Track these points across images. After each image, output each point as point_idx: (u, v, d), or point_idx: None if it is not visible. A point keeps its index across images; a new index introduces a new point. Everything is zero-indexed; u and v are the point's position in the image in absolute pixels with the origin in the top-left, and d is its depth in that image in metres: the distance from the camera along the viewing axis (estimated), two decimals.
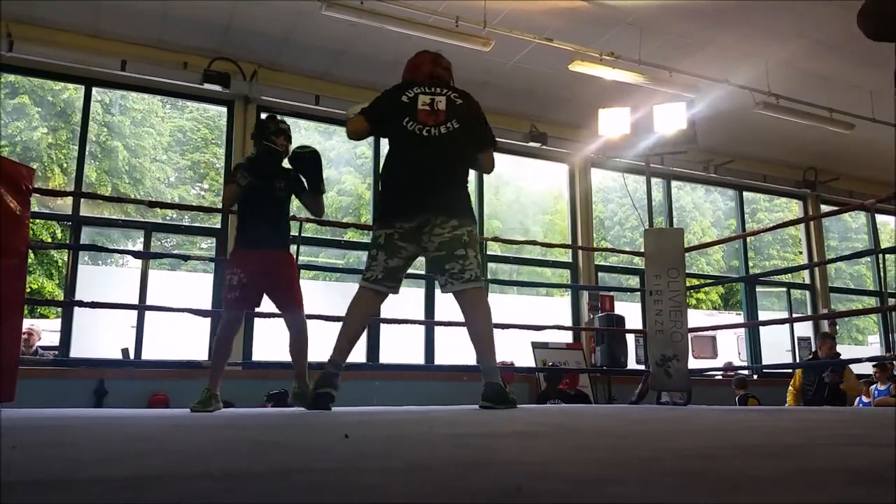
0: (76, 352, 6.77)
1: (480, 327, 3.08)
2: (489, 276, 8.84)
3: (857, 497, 0.68)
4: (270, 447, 1.30)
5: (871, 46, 2.23)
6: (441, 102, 3.16)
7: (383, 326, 7.74)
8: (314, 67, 7.83)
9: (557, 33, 7.02)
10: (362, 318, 3.22)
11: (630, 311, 8.65)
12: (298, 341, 3.70)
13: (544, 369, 7.74)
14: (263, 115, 3.89)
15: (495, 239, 6.74)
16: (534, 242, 7.05)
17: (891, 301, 8.69)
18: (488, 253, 8.83)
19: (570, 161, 9.44)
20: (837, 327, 11.11)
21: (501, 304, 9.30)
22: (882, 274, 5.88)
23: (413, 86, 3.23)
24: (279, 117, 3.91)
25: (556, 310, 9.90)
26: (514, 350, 8.08)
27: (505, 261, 9.58)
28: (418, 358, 7.95)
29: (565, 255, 9.55)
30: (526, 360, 8.08)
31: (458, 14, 6.51)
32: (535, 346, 8.16)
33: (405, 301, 7.64)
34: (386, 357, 7.78)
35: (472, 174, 3.36)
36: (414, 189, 3.07)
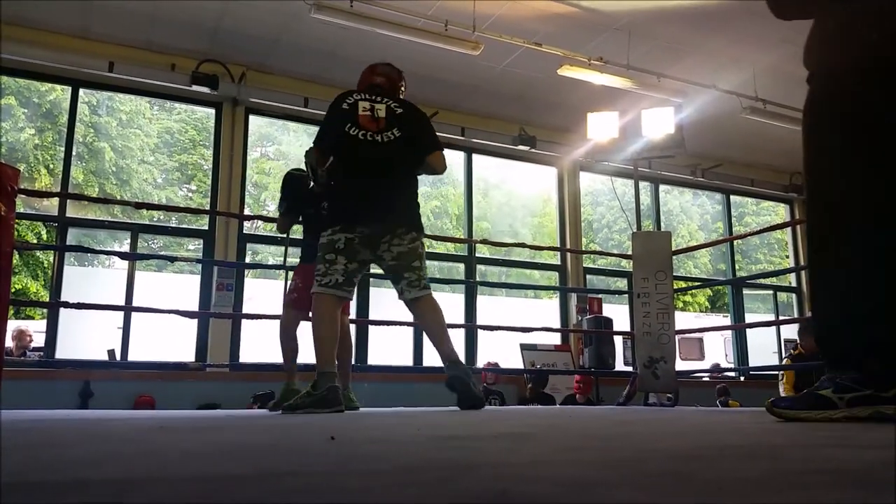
0: (62, 353, 6.73)
1: (437, 328, 3.23)
2: (478, 279, 8.86)
3: (844, 499, 0.69)
4: (257, 449, 1.29)
5: None
6: (381, 110, 3.19)
7: (371, 328, 7.74)
8: (303, 70, 7.82)
9: (546, 38, 7.04)
10: (336, 324, 3.15)
11: (618, 314, 8.68)
12: (344, 343, 3.82)
13: (529, 371, 7.73)
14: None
15: (484, 241, 6.76)
16: (522, 245, 7.06)
17: None
18: (477, 255, 8.85)
19: (558, 164, 9.47)
20: None
21: (490, 307, 9.31)
22: None
23: (351, 94, 3.26)
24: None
25: (544, 312, 9.92)
26: (502, 352, 8.09)
27: (494, 263, 9.59)
28: (406, 359, 7.95)
29: (554, 258, 9.57)
30: (514, 361, 8.09)
31: (447, 18, 6.53)
32: (524, 347, 8.19)
33: (393, 302, 7.63)
34: (374, 358, 7.78)
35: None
36: (374, 196, 3.10)
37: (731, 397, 8.17)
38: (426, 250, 3.33)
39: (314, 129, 9.97)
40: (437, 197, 13.60)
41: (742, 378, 9.98)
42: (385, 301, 7.80)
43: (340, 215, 3.12)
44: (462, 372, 3.09)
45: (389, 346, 8.00)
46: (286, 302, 4.00)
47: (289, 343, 3.95)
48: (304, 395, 3.03)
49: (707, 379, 9.43)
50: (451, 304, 8.86)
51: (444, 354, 3.18)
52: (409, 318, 7.59)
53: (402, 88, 3.49)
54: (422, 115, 3.36)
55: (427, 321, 3.25)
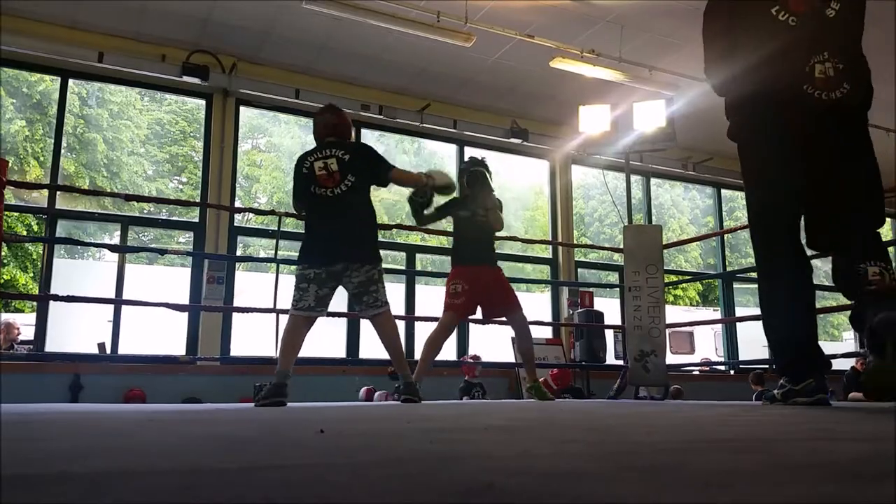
0: (51, 346, 6.69)
1: (391, 342, 3.81)
2: None
3: (830, 492, 0.68)
4: (243, 443, 1.28)
5: None
6: (333, 164, 3.72)
7: (363, 322, 7.73)
8: (295, 61, 7.78)
9: (539, 30, 7.03)
10: (299, 342, 3.68)
11: (609, 307, 8.70)
12: (522, 339, 4.48)
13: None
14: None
15: None
16: (514, 238, 7.06)
17: None
18: None
19: (550, 157, 9.47)
20: None
21: None
22: None
23: (307, 157, 3.81)
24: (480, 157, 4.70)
25: (535, 305, 9.92)
26: (494, 345, 8.09)
27: None
28: None
29: (546, 252, 9.58)
30: (506, 354, 8.10)
31: (439, 9, 6.51)
32: (515, 341, 8.19)
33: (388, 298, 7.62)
34: (366, 352, 7.77)
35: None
36: (334, 241, 3.68)
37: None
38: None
39: (305, 121, 10.00)
40: None
41: (732, 371, 10.02)
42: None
43: (309, 257, 3.71)
44: (413, 391, 3.73)
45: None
46: (450, 304, 4.37)
47: (439, 344, 4.35)
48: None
49: (697, 372, 9.46)
50: (442, 297, 8.84)
51: (398, 371, 3.82)
52: (400, 312, 7.56)
53: (346, 125, 3.95)
54: (365, 150, 3.92)
55: (382, 337, 3.83)
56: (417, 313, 7.80)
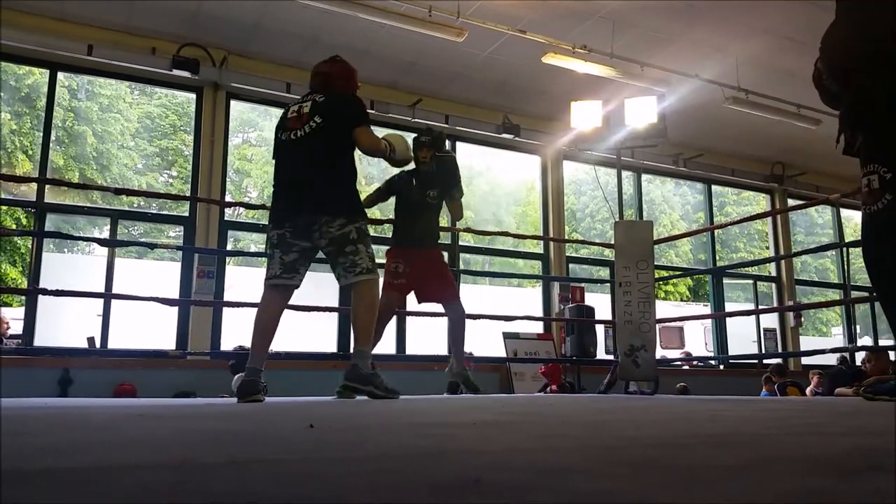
0: (40, 340, 6.65)
1: (360, 316, 3.31)
2: (461, 267, 8.85)
3: (816, 486, 0.69)
4: (233, 437, 1.28)
5: None
6: (306, 106, 3.31)
7: None
8: (285, 55, 7.74)
9: (531, 25, 7.02)
10: (270, 319, 3.28)
11: (600, 302, 8.72)
12: (455, 328, 4.22)
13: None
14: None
15: (467, 230, 6.74)
16: (506, 234, 7.05)
17: (854, 294, 8.86)
18: (460, 243, 8.83)
19: (542, 153, 9.47)
20: (802, 319, 11.29)
21: (473, 295, 9.33)
22: (846, 267, 6.00)
23: (288, 105, 3.44)
24: (431, 129, 4.44)
25: (527, 300, 9.94)
26: (485, 340, 8.10)
27: (477, 251, 9.60)
28: (390, 347, 7.94)
29: (537, 247, 9.59)
30: (497, 350, 8.11)
31: (431, 3, 6.48)
32: (507, 336, 8.20)
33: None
34: None
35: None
36: (295, 191, 3.23)
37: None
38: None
39: None
40: None
41: (721, 367, 10.07)
42: None
43: (272, 215, 3.31)
44: (355, 377, 3.30)
45: None
46: (389, 284, 4.10)
47: (379, 330, 3.93)
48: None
49: (687, 367, 9.50)
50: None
51: (352, 350, 3.36)
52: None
53: (342, 76, 3.51)
54: (347, 97, 3.41)
55: (352, 307, 3.34)
56: (408, 308, 7.78)
